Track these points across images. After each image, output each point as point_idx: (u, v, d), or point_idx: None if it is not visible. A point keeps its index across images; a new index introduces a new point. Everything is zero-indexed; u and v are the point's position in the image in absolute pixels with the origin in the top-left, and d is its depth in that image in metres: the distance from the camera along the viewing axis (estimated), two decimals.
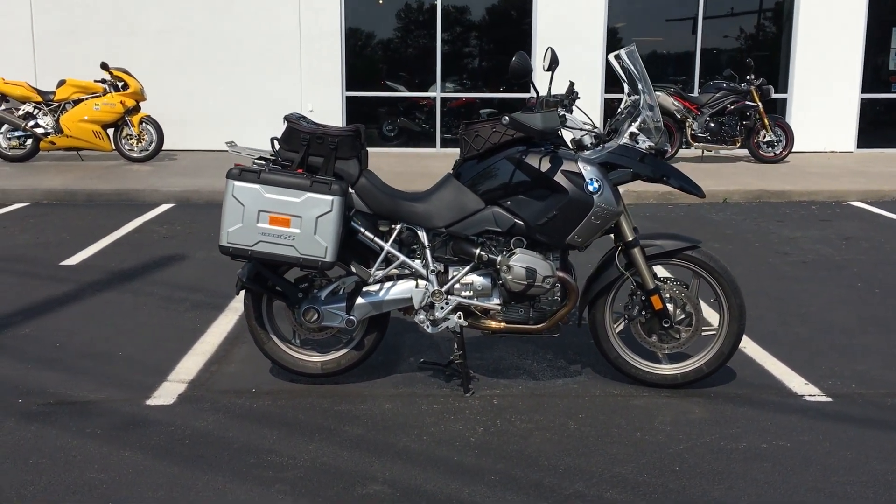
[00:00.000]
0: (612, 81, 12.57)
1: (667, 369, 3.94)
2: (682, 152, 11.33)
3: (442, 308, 3.76)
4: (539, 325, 3.78)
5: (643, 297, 3.83)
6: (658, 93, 10.90)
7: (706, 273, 3.80)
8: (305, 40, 12.13)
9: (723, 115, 10.93)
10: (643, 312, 3.85)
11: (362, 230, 3.75)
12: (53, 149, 10.72)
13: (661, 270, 4.43)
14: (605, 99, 12.49)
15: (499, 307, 3.78)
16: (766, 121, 11.02)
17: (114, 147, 10.78)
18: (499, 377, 4.05)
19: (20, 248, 6.65)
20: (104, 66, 10.61)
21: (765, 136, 11.15)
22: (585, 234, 3.67)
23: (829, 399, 3.83)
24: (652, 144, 3.71)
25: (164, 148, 10.96)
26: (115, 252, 6.52)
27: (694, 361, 3.92)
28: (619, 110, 3.89)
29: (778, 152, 11.20)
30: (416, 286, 3.77)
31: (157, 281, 5.70)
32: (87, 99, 10.60)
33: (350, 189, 3.70)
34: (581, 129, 3.75)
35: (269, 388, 3.88)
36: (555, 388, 3.93)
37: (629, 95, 3.82)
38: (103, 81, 10.71)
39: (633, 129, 3.73)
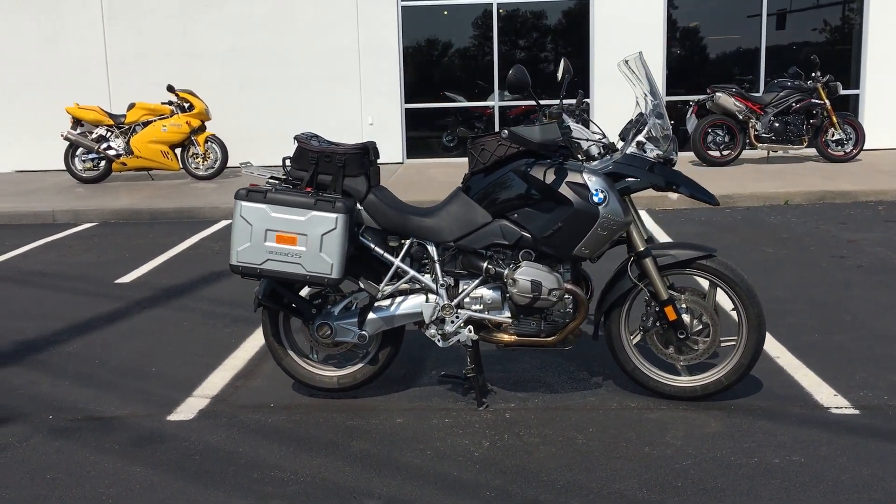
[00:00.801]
0: (673, 82, 12.36)
1: (686, 381, 3.85)
2: (747, 153, 11.03)
3: (452, 322, 3.78)
4: (551, 338, 3.75)
5: (657, 308, 3.76)
6: (719, 94, 10.66)
7: (722, 282, 3.71)
8: (364, 54, 12.31)
9: (788, 115, 10.61)
10: (658, 323, 3.78)
11: (372, 245, 3.79)
12: (125, 170, 11.16)
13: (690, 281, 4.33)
14: (666, 102, 12.26)
15: (509, 320, 3.76)
16: (834, 119, 10.64)
17: (181, 166, 11.15)
18: (517, 390, 4.03)
19: (81, 267, 6.95)
20: (170, 89, 10.99)
21: (833, 135, 10.77)
22: (593, 246, 3.63)
23: (856, 412, 3.68)
24: (660, 153, 3.65)
25: (229, 165, 11.28)
26: (168, 269, 6.75)
27: (714, 373, 3.82)
28: (630, 119, 3.84)
29: (848, 151, 10.81)
30: (427, 300, 3.79)
31: (202, 297, 5.88)
32: (155, 121, 11.00)
33: (359, 205, 3.76)
34: (588, 140, 3.72)
35: (288, 402, 3.95)
36: (571, 401, 3.89)
37: (638, 104, 3.76)
38: (170, 103, 11.10)
39: (641, 137, 3.68)
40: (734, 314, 3.78)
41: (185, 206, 9.22)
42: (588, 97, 3.74)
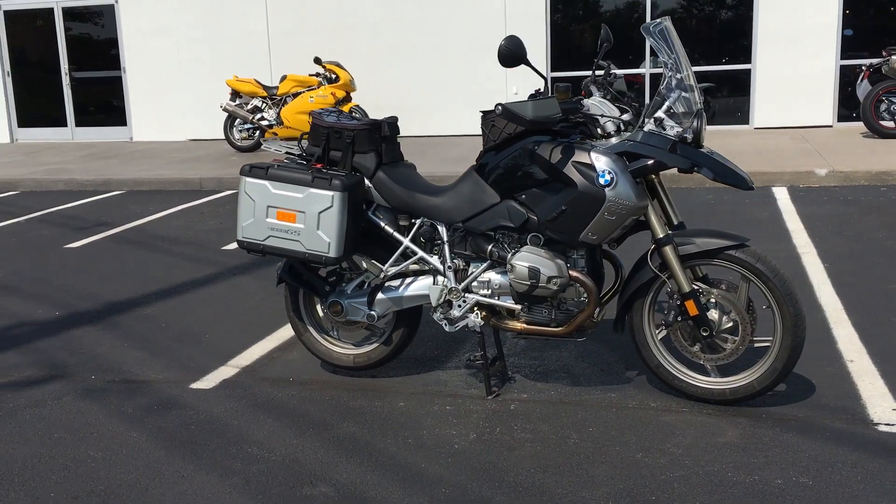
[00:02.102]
0: (851, 46, 11.23)
1: (714, 383, 3.50)
2: None
3: (459, 306, 3.63)
4: (561, 329, 3.52)
5: (679, 302, 3.42)
6: (895, 56, 9.56)
7: (753, 276, 3.31)
8: (510, 22, 12.09)
9: None
10: (679, 318, 3.44)
11: (382, 224, 3.71)
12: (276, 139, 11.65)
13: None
14: (842, 66, 11.18)
15: (519, 307, 3.56)
16: None
17: None
18: (538, 380, 3.83)
19: (200, 233, 7.34)
20: (317, 61, 11.32)
21: None
22: (601, 231, 3.35)
23: None
24: (680, 130, 3.29)
25: None
26: None
27: (745, 376, 3.44)
28: (658, 91, 3.48)
29: None
30: (434, 283, 3.67)
31: None
32: (303, 92, 11.38)
33: (368, 183, 3.68)
34: (604, 116, 3.41)
35: (308, 378, 3.97)
36: (588, 395, 3.64)
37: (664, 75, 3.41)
38: (317, 75, 11.44)
39: (660, 113, 3.33)
40: (770, 312, 3.37)
41: None
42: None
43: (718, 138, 10.82)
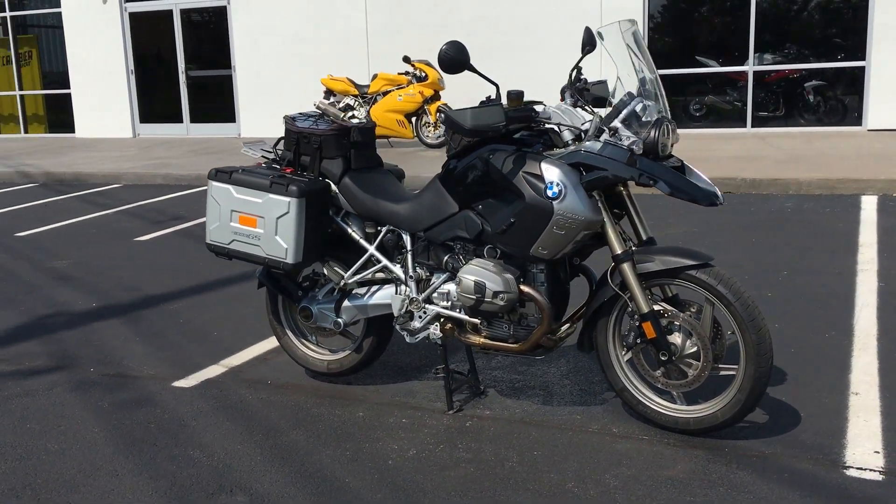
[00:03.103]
0: None
1: (680, 411, 3.26)
2: None
3: (420, 317, 3.54)
4: (517, 345, 3.37)
5: (638, 323, 3.20)
6: None
7: (715, 299, 3.06)
8: (607, 17, 11.73)
9: None
10: (639, 341, 3.23)
11: (350, 231, 3.67)
12: None
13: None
14: None
15: (479, 321, 3.44)
16: None
17: (415, 134, 11.55)
18: (509, 396, 3.69)
19: None
20: (406, 59, 11.39)
21: None
22: (551, 246, 3.17)
23: (878, 477, 2.87)
24: (637, 140, 3.07)
25: None
26: None
27: (710, 405, 3.19)
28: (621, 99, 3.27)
29: None
30: (397, 292, 3.59)
31: None
32: (393, 90, 11.49)
33: (336, 189, 3.64)
34: (560, 124, 3.23)
35: (286, 381, 3.98)
36: (552, 416, 3.47)
37: (619, 81, 3.20)
38: (407, 73, 11.51)
39: (616, 122, 3.12)
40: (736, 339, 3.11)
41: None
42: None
43: (826, 140, 10.16)
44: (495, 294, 3.23)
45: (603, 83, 3.54)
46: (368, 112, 11.57)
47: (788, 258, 5.75)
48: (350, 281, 3.67)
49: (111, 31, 14.94)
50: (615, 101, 3.18)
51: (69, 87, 15.66)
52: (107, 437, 3.45)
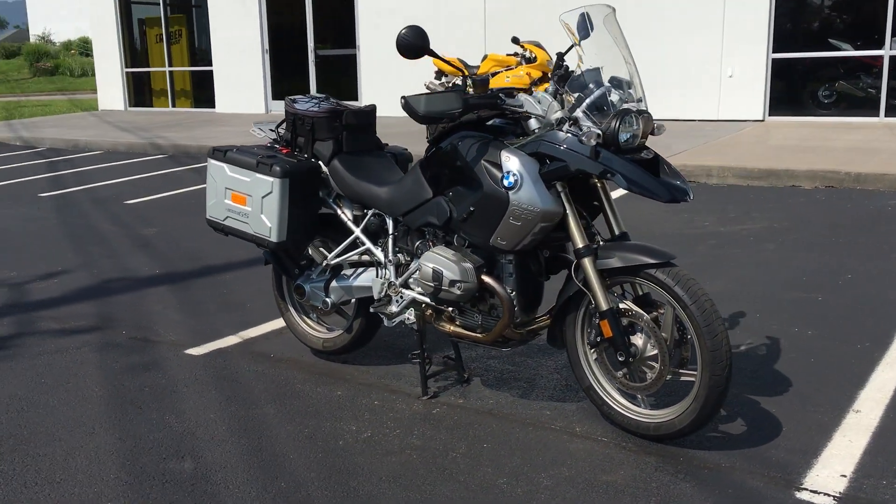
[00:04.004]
0: None
1: (642, 414, 3.13)
2: None
3: (397, 302, 3.55)
4: (482, 336, 3.32)
5: (597, 321, 3.08)
6: None
7: (673, 300, 2.90)
8: None
9: None
10: (599, 339, 3.10)
11: (339, 212, 3.72)
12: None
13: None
14: None
15: (450, 308, 3.41)
16: None
17: None
18: (490, 387, 3.65)
19: None
20: (515, 40, 11.25)
21: None
22: (509, 237, 3.09)
23: (830, 502, 2.65)
24: (599, 132, 2.93)
25: None
26: None
27: (670, 412, 3.04)
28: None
29: None
30: (377, 276, 3.62)
31: None
32: (501, 71, 11.41)
33: (326, 170, 3.70)
34: (529, 113, 3.13)
35: (290, 356, 4.09)
36: (522, 410, 3.41)
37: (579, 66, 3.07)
38: (516, 55, 11.40)
39: (578, 112, 3.00)
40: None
41: None
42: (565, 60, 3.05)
43: None
44: (452, 283, 3.20)
45: (595, 71, 3.39)
46: None
47: (860, 261, 5.34)
48: (333, 262, 3.73)
49: (250, 11, 15.61)
50: (588, 87, 3.05)
51: (212, 65, 16.52)
52: (102, 397, 3.68)
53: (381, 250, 3.60)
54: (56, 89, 36.65)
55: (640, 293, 3.13)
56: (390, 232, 3.56)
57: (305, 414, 3.44)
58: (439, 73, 12.16)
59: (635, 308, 3.03)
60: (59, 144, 13.50)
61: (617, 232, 3.17)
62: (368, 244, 3.63)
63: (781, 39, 11.07)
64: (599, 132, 2.90)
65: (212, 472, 2.98)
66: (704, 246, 5.89)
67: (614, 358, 3.10)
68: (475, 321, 3.36)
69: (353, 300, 3.79)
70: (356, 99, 14.80)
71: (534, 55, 11.32)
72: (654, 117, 3.04)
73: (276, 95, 15.81)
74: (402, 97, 3.12)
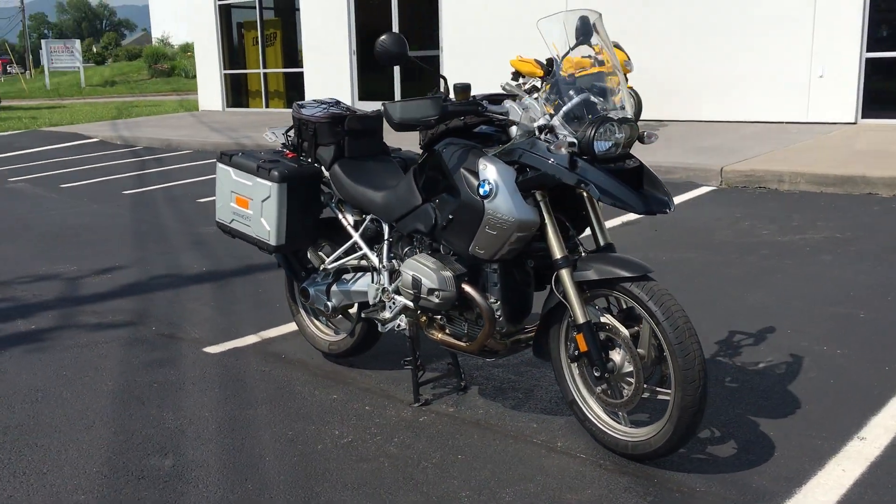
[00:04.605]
0: None
1: (622, 432, 3.02)
2: None
3: (390, 308, 3.54)
4: (467, 345, 3.27)
5: (574, 334, 2.99)
6: None
7: (647, 315, 2.79)
8: None
9: None
10: (576, 353, 3.01)
11: (340, 217, 3.74)
12: None
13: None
14: None
15: (439, 316, 3.38)
16: None
17: None
18: (486, 396, 3.60)
19: None
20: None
21: None
22: (487, 247, 3.03)
23: None
24: (571, 141, 2.84)
25: (643, 118, 11.03)
26: None
27: (647, 431, 2.93)
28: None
29: None
30: (372, 281, 3.62)
31: None
32: (577, 72, 11.23)
33: (327, 175, 3.72)
34: (512, 120, 3.06)
35: (298, 358, 4.14)
36: (509, 422, 3.34)
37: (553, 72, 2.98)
38: (590, 57, 11.19)
39: (556, 120, 2.91)
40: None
41: None
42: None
43: None
44: (430, 291, 3.17)
45: (597, 75, 3.30)
46: None
47: None
48: (330, 267, 3.75)
49: (338, 13, 15.90)
50: (568, 94, 2.97)
51: (302, 66, 16.90)
52: (112, 391, 3.82)
53: (377, 256, 3.60)
54: (171, 90, 38.36)
55: (625, 307, 3.02)
56: (385, 237, 3.56)
57: (296, 416, 3.48)
58: (516, 75, 12.08)
59: (614, 322, 2.93)
60: (155, 144, 14.09)
61: (602, 243, 3.07)
62: (365, 249, 3.64)
63: (877, 37, 10.49)
64: (572, 141, 2.82)
65: (188, 471, 3.05)
66: (756, 256, 5.64)
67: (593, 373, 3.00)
68: (462, 330, 3.32)
69: (356, 304, 3.80)
70: None
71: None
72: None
73: (363, 96, 16.04)
74: (383, 103, 3.11)
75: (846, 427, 3.17)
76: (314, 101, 3.90)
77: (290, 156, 3.78)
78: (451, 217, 3.12)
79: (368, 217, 3.64)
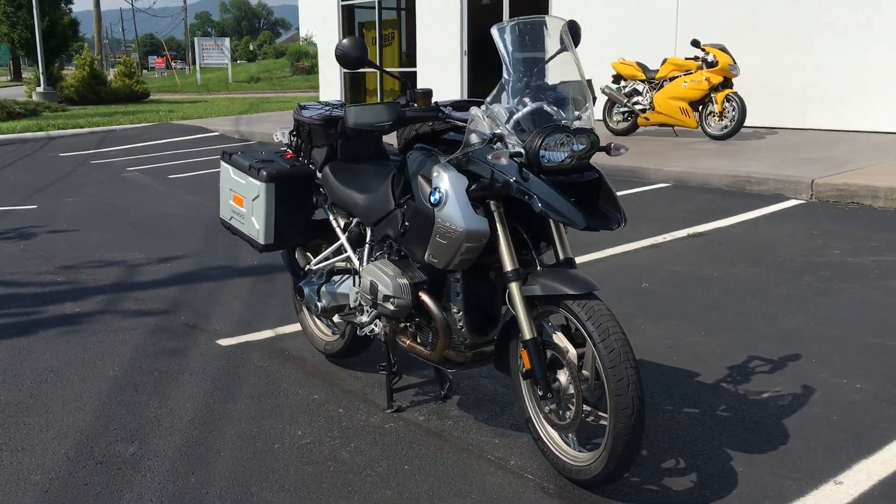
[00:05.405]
0: None
1: (569, 456, 2.89)
2: None
3: (368, 312, 3.53)
4: (430, 354, 3.21)
5: (521, 349, 2.88)
6: None
7: (586, 334, 2.66)
8: None
9: None
10: (524, 370, 2.89)
11: (330, 217, 3.75)
12: (647, 124, 11.35)
13: None
14: None
15: (407, 322, 3.33)
16: None
17: (698, 124, 10.82)
18: (463, 407, 3.52)
19: None
20: (695, 44, 10.68)
21: None
22: (440, 256, 2.95)
23: None
24: (521, 151, 2.73)
25: (747, 125, 10.55)
26: None
27: (589, 458, 2.79)
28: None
29: None
30: (354, 283, 3.61)
31: None
32: (680, 76, 10.86)
33: (320, 176, 3.74)
34: (470, 129, 2.96)
35: (300, 355, 4.18)
36: (473, 435, 3.26)
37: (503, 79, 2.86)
38: (696, 58, 10.79)
39: (507, 128, 2.80)
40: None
41: (636, 166, 9.09)
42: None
43: None
44: (385, 297, 3.13)
45: (579, 83, 3.15)
46: (652, 99, 11.08)
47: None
48: (314, 267, 3.76)
49: (451, 13, 15.98)
50: (518, 102, 2.86)
51: (416, 66, 17.11)
52: (115, 377, 3.97)
53: (359, 259, 3.59)
54: (308, 87, 39.62)
55: (573, 325, 2.89)
56: (367, 241, 3.54)
57: (269, 413, 3.52)
58: (617, 78, 11.83)
59: (564, 341, 2.80)
60: (267, 139, 14.60)
61: (562, 257, 2.94)
62: (349, 252, 3.63)
63: None
64: (519, 151, 2.71)
65: (144, 460, 3.13)
66: (814, 277, 5.28)
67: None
68: (426, 338, 3.26)
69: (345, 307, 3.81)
70: None
71: (715, 59, 10.75)
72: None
73: (473, 96, 16.05)
74: (345, 106, 3.09)
75: (826, 469, 2.92)
76: (319, 102, 3.93)
77: (289, 156, 3.83)
78: (407, 224, 3.07)
79: (355, 220, 3.63)
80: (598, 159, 2.96)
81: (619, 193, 8.00)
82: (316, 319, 4.15)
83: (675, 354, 4.04)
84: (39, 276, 5.87)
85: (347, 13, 19.14)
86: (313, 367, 4.04)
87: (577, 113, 2.81)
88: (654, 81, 11.18)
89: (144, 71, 70.55)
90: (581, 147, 2.74)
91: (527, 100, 2.83)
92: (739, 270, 5.48)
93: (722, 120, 10.55)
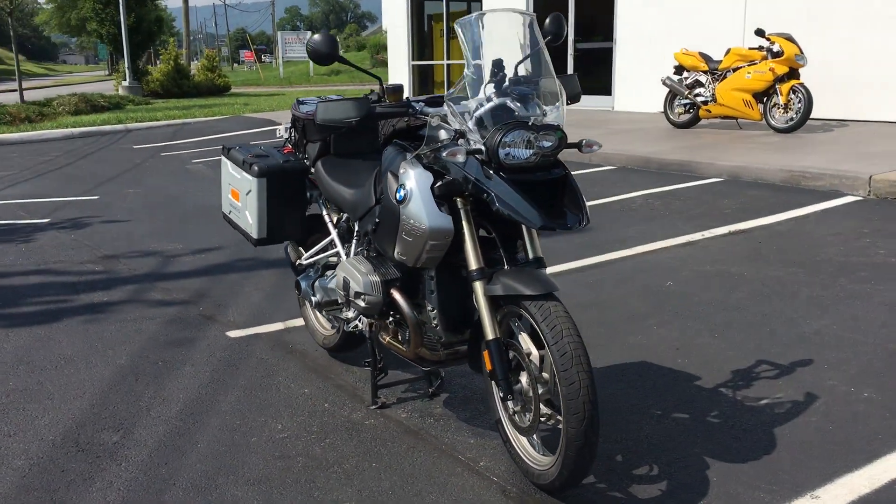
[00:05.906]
0: None
1: (532, 459, 2.82)
2: None
3: (353, 308, 3.51)
4: (406, 351, 3.18)
5: (483, 350, 2.82)
6: None
7: (541, 336, 2.58)
8: None
9: None
10: (487, 370, 2.83)
11: (323, 212, 3.75)
12: (710, 116, 11.02)
13: None
14: None
15: (389, 320, 3.31)
16: None
17: (762, 116, 10.46)
18: (449, 406, 3.48)
19: None
20: (759, 33, 10.31)
21: None
22: (407, 253, 2.91)
23: None
24: (481, 148, 2.66)
25: (813, 117, 10.15)
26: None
27: (548, 462, 2.72)
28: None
29: None
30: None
31: None
32: (743, 67, 10.50)
33: (313, 171, 3.74)
34: (440, 126, 2.90)
35: (303, 349, 4.20)
36: (448, 435, 3.22)
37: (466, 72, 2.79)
38: (761, 48, 10.42)
39: (469, 125, 2.73)
40: None
41: (686, 160, 8.82)
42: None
43: None
44: (357, 294, 3.11)
45: (567, 77, 3.06)
46: (714, 90, 10.76)
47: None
48: (305, 262, 3.77)
49: (515, 5, 15.83)
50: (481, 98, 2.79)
51: None
52: (121, 365, 4.07)
53: (346, 254, 3.58)
54: (386, 79, 39.93)
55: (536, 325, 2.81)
56: (354, 236, 3.53)
57: (256, 407, 3.54)
58: (679, 69, 11.54)
59: (527, 343, 2.73)
60: None
61: (531, 256, 2.86)
62: (339, 247, 3.63)
63: None
64: (479, 148, 2.65)
65: (123, 449, 3.20)
66: (849, 278, 5.03)
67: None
68: (405, 336, 3.23)
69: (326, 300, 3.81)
70: (608, 92, 14.43)
71: (781, 49, 10.37)
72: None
73: None
74: (318, 100, 3.08)
75: (806, 482, 2.77)
76: (321, 98, 3.92)
77: (286, 151, 3.84)
78: (378, 221, 3.05)
79: (345, 215, 3.62)
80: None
81: (665, 189, 7.83)
82: (317, 313, 4.16)
83: (680, 356, 3.91)
84: (80, 266, 6.07)
85: (417, 6, 19.17)
86: (313, 361, 4.05)
87: (544, 108, 2.73)
88: (717, 72, 10.85)
89: (235, 65, 72.29)
90: (548, 144, 2.66)
91: (492, 95, 2.76)
92: (772, 270, 5.27)
93: (787, 112, 10.17)
